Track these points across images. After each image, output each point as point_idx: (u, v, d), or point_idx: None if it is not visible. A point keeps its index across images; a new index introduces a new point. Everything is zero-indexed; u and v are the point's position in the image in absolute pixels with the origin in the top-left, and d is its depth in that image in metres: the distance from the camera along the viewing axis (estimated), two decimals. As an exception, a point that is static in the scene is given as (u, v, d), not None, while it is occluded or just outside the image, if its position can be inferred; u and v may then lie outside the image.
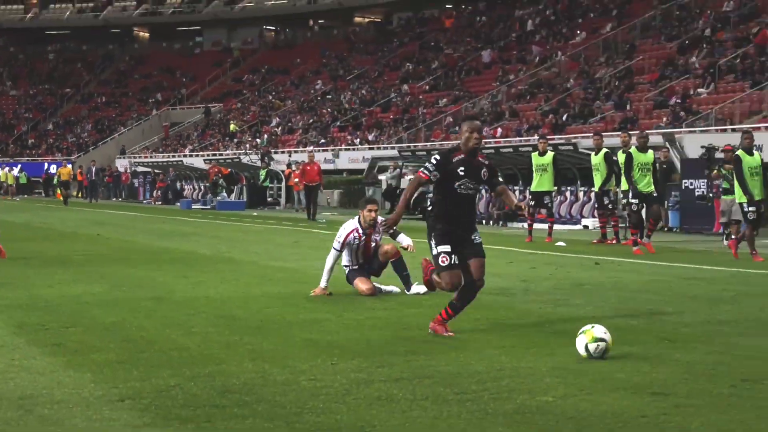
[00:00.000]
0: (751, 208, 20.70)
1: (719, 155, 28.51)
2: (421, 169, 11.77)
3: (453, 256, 11.23)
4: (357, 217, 16.48)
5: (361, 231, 16.28)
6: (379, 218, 16.30)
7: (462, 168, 11.06)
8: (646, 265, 21.45)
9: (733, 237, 21.59)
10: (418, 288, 16.38)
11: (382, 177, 50.22)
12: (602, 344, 9.96)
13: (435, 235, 11.38)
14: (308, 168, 44.71)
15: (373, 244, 16.47)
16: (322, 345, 11.31)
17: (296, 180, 48.44)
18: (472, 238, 11.52)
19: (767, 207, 22.26)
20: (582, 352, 10.04)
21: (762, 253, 21.86)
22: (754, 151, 21.28)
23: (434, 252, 11.22)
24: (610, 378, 9.42)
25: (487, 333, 12.19)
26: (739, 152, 19.75)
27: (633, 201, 20.33)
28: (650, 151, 20.51)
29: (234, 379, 9.41)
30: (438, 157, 11.68)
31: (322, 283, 16.22)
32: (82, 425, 7.90)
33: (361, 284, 16.25)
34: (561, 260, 22.36)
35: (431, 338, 11.83)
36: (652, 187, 20.53)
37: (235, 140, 78.47)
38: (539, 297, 16.11)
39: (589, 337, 9.67)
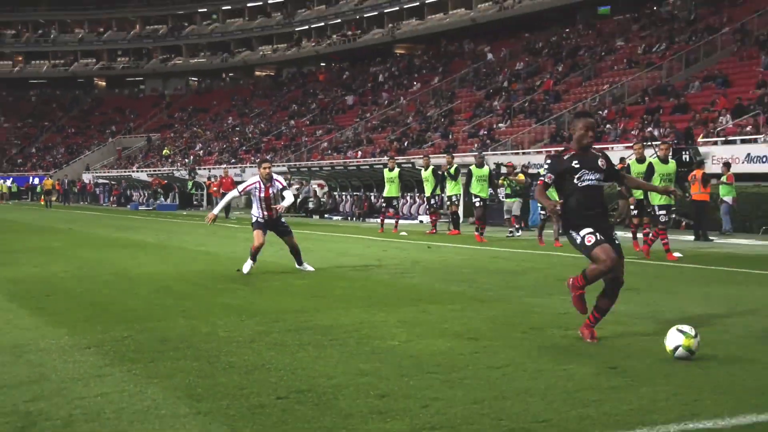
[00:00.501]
0: (661, 212, 18.17)
1: (504, 170, 28.58)
2: (540, 177, 9.54)
3: (597, 234, 8.76)
4: (258, 175, 15.87)
5: (261, 183, 15.53)
6: (277, 177, 15.99)
7: (576, 161, 8.94)
8: (466, 249, 21.50)
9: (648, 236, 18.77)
10: (308, 267, 15.88)
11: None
12: (686, 352, 7.78)
13: (573, 225, 9.00)
14: (224, 180, 45.27)
15: (272, 195, 15.64)
16: (234, 307, 11.26)
17: (215, 188, 48.00)
18: (612, 236, 8.99)
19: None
20: (672, 346, 7.85)
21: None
22: (670, 160, 18.62)
23: (578, 240, 8.90)
24: (439, 328, 9.51)
25: (352, 297, 12.16)
26: (654, 160, 17.49)
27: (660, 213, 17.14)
28: (672, 162, 17.73)
29: (170, 332, 9.38)
30: (549, 160, 9.89)
31: (215, 211, 16.42)
32: (59, 366, 7.82)
33: (255, 238, 15.51)
34: (404, 245, 22.38)
35: (315, 301, 11.90)
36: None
37: (169, 160, 77.70)
38: (389, 270, 16.09)
39: (686, 343, 7.72)
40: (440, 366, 7.63)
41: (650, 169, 17.33)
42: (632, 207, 18.67)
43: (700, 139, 32.39)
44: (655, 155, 18.52)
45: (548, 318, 10.22)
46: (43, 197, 64.29)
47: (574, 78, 51.69)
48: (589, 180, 8.87)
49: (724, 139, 32.31)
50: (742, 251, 19.35)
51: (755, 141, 30.85)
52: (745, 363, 7.63)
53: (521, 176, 26.66)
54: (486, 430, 5.71)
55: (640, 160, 18.12)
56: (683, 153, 27.35)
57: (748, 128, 32.76)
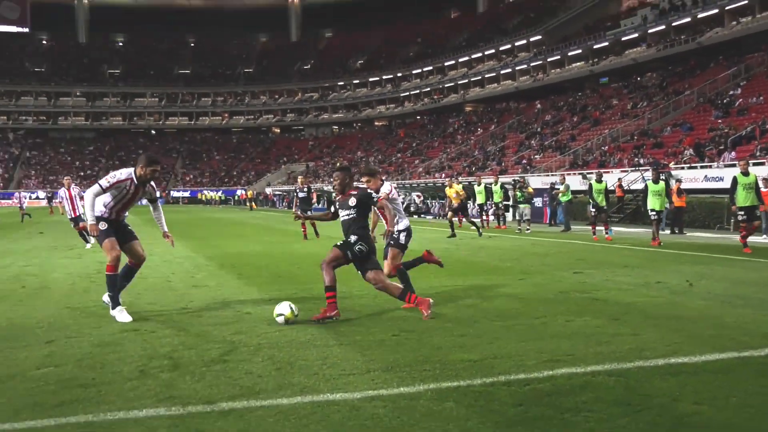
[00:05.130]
0: (652, 214, 17.22)
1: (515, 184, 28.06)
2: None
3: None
4: (133, 169, 7.83)
5: (135, 182, 7.75)
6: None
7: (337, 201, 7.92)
8: (513, 239, 20.95)
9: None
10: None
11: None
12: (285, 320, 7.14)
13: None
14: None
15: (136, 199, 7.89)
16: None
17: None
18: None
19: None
20: (277, 312, 7.18)
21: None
22: (660, 181, 17.63)
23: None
24: (497, 291, 9.31)
25: (439, 270, 12.01)
26: (738, 174, 15.22)
27: (740, 213, 14.89)
28: (752, 174, 15.42)
29: (322, 292, 9.34)
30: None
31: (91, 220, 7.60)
32: (252, 312, 7.89)
33: (111, 250, 7.62)
34: (473, 235, 21.96)
35: (413, 272, 11.67)
36: (755, 202, 15.09)
37: (320, 178, 78.45)
38: (465, 252, 15.82)
39: (289, 315, 7.11)
40: (499, 316, 7.51)
41: (734, 181, 15.26)
42: (742, 213, 15.27)
43: (671, 165, 31.64)
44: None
45: (571, 285, 9.97)
46: (250, 202, 65.89)
47: (585, 125, 50.87)
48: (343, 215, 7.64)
49: (688, 165, 31.54)
50: (704, 242, 18.68)
51: (710, 167, 30.11)
52: (709, 318, 7.34)
53: (530, 188, 26.01)
54: (531, 360, 5.60)
55: (745, 173, 15.36)
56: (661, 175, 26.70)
57: (706, 158, 32.20)
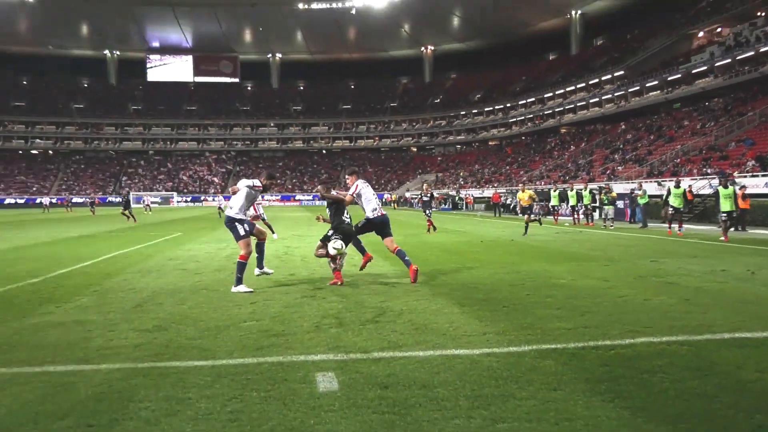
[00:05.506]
0: (723, 216, 15.60)
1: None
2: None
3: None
4: (255, 180, 7.93)
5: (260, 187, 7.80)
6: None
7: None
8: (600, 233, 19.91)
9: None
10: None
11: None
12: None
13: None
14: (494, 195, 42.01)
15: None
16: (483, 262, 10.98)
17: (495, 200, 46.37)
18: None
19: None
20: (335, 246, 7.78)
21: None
22: (729, 186, 16.13)
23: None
24: (587, 274, 8.89)
25: (539, 256, 11.68)
26: (719, 188, 14.37)
27: None
28: None
29: (459, 277, 9.20)
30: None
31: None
32: (397, 284, 7.91)
33: (247, 247, 7.63)
34: (568, 230, 21.14)
35: (518, 257, 11.31)
36: None
37: (446, 185, 77.82)
38: (561, 244, 15.19)
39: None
40: (589, 295, 7.17)
41: None
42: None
43: (735, 174, 29.13)
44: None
45: (648, 271, 9.37)
46: (394, 204, 65.86)
47: (660, 142, 47.63)
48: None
49: (750, 174, 28.96)
50: (764, 237, 17.04)
51: (771, 175, 27.66)
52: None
53: (614, 193, 24.51)
54: (615, 330, 5.32)
55: None
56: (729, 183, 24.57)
57: None
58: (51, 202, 53.49)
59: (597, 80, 69.99)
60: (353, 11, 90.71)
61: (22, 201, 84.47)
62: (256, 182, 7.98)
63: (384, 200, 79.46)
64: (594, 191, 27.31)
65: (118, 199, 79.45)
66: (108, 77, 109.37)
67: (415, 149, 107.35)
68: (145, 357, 4.64)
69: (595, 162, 53.38)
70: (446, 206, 53.29)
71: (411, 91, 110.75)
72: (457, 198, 55.92)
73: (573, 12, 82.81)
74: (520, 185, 23.54)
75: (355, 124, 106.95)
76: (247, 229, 7.75)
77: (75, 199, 79.64)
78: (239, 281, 7.61)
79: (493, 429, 3.32)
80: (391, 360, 4.52)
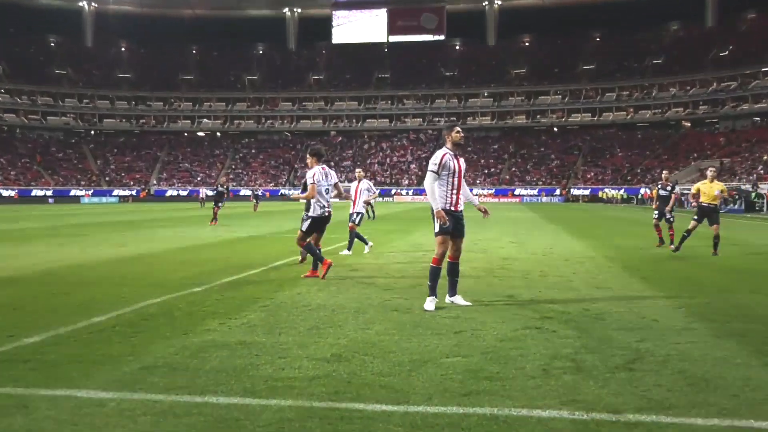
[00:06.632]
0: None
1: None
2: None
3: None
4: (443, 147, 8.21)
5: (451, 153, 8.07)
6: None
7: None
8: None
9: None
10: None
11: None
12: None
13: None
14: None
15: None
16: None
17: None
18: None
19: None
20: None
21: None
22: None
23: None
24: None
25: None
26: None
27: None
28: None
29: (746, 303, 8.50)
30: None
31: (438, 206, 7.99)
32: (659, 317, 7.47)
33: (444, 245, 8.19)
34: None
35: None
36: None
37: (736, 177, 72.10)
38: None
39: None
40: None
41: None
42: None
43: None
44: None
45: None
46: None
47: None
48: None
49: None
50: None
51: None
52: None
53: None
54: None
55: None
56: None
57: None
58: (206, 195, 59.94)
59: None
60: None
61: (184, 193, 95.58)
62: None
63: (640, 196, 75.85)
64: None
65: (294, 192, 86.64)
66: (287, 41, 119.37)
67: (688, 124, 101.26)
68: (322, 394, 4.89)
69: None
70: (736, 206, 49.33)
71: (684, 41, 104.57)
72: (754, 195, 51.33)
73: None
74: (708, 171, 16.93)
75: (600, 91, 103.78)
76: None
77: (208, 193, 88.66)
78: (431, 290, 8.33)
79: None
80: (653, 426, 4.29)
